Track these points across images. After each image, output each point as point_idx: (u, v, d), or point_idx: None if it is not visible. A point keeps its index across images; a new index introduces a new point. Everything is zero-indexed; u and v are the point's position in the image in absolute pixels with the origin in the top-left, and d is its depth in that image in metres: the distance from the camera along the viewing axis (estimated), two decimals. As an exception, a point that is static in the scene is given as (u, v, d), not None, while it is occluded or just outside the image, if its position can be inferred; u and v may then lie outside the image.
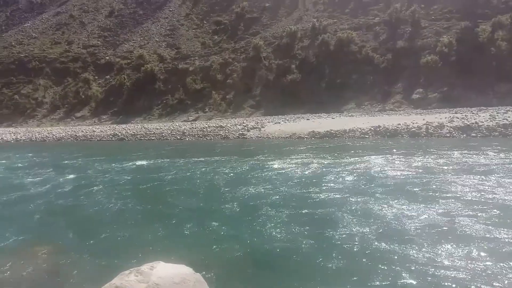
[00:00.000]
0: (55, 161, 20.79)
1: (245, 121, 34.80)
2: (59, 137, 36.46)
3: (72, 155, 23.02)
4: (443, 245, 6.61)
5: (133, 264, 4.52)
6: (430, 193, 9.81)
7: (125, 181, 13.90)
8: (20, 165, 19.73)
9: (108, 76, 54.66)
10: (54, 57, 60.88)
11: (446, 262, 6.04)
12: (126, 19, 65.97)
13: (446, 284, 5.46)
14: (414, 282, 5.56)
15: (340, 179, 12.07)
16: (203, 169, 15.29)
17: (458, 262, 6.00)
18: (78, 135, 36.49)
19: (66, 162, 19.96)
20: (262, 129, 29.23)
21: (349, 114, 33.28)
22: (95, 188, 12.88)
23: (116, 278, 3.87)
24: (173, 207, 10.04)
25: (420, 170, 12.72)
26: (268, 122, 32.06)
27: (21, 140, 37.36)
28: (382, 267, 5.99)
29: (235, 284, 6.01)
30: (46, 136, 37.82)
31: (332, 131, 24.97)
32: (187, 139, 29.54)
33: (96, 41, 63.02)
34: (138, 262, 4.43)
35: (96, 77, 55.43)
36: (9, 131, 45.06)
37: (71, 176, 15.47)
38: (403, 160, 14.74)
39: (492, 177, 11.07)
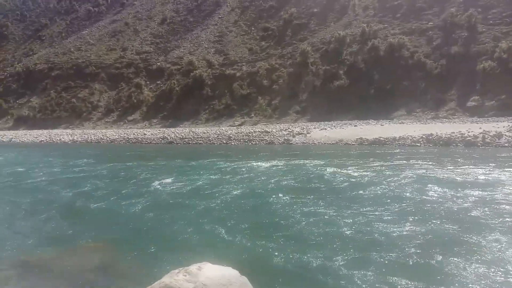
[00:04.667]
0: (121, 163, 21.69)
1: (290, 126, 34.63)
2: (113, 139, 38.08)
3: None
4: None
5: (181, 263, 4.58)
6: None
7: (180, 184, 14.19)
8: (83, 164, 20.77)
9: (159, 82, 56.63)
10: (109, 63, 64.11)
11: None
12: (177, 26, 68.20)
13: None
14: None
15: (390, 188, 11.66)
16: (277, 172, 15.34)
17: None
18: (130, 137, 37.94)
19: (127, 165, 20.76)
20: (307, 135, 28.94)
21: (399, 121, 32.16)
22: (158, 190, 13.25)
23: (166, 277, 3.94)
24: (226, 208, 10.06)
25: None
26: (314, 128, 31.69)
27: (77, 141, 39.41)
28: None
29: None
30: (101, 138, 39.65)
31: (381, 139, 24.24)
32: (233, 143, 29.84)
33: (148, 48, 65.60)
34: (186, 262, 4.47)
35: (148, 82, 57.62)
36: (66, 132, 47.77)
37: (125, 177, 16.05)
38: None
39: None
